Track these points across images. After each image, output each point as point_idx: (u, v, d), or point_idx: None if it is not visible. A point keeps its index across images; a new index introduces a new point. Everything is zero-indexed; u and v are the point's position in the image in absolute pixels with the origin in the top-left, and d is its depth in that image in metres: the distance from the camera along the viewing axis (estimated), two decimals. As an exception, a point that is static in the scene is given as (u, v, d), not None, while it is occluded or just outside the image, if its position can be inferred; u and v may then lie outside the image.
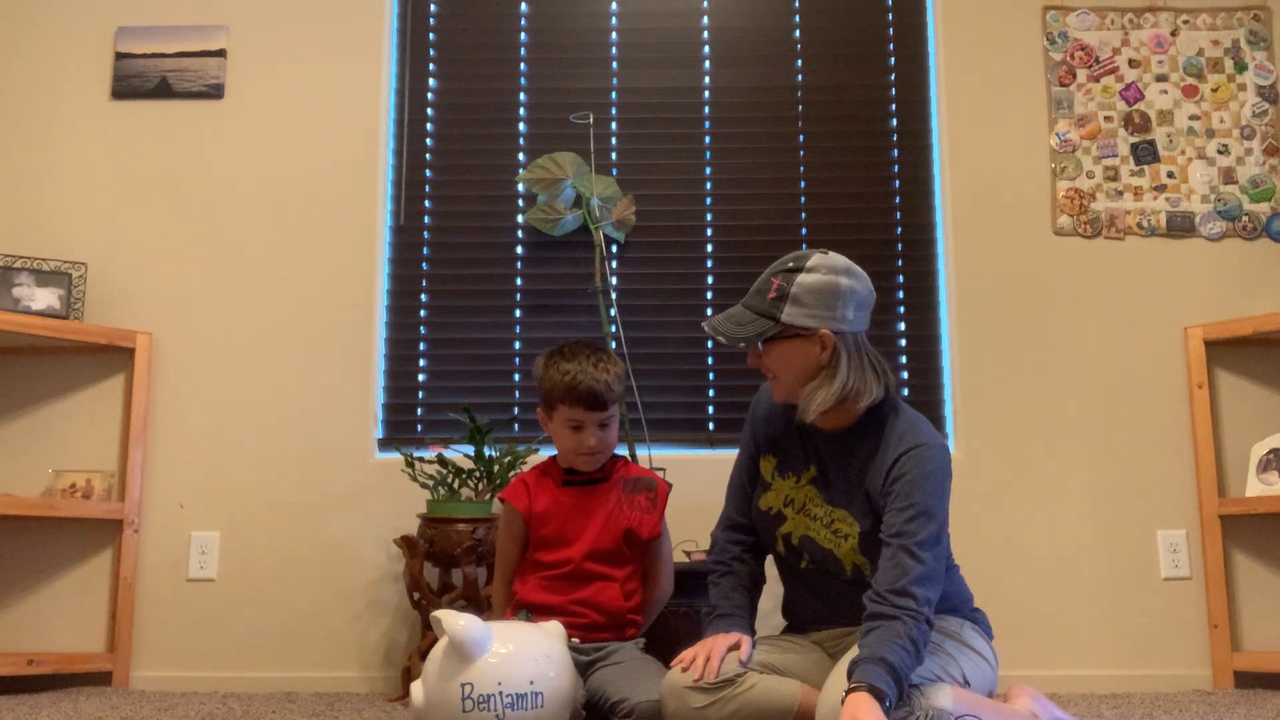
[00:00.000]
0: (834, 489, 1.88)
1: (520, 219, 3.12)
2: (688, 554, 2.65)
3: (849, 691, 1.56)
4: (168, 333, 3.03)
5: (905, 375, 3.05)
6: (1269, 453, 2.86)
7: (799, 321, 1.80)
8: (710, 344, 3.06)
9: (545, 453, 2.84)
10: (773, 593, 2.04)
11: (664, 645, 2.19)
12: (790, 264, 1.84)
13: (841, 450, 1.88)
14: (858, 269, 1.87)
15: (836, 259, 1.84)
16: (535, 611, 2.08)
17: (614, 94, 3.17)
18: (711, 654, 1.78)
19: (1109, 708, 2.46)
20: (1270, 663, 2.75)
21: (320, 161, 3.11)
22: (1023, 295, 3.03)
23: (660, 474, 2.28)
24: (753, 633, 1.91)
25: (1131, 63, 3.12)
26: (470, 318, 3.09)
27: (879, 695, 1.54)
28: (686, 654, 1.81)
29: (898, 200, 3.12)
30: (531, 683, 1.70)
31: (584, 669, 2.01)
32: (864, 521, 1.82)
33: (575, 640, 2.05)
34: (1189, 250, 3.04)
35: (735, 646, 1.82)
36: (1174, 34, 3.14)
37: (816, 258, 1.83)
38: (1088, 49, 3.13)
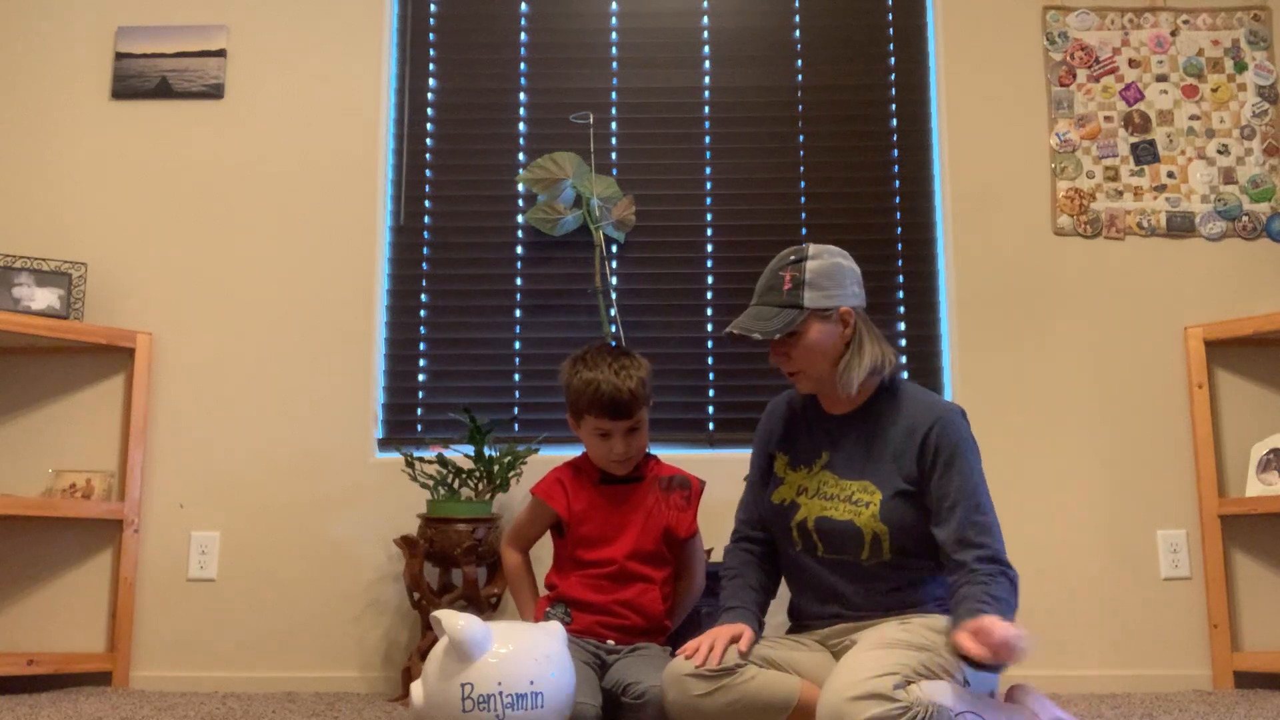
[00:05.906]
0: (850, 464, 1.92)
1: (520, 219, 3.12)
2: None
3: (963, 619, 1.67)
4: (168, 333, 3.03)
5: (905, 375, 3.04)
6: (1269, 453, 2.86)
7: (820, 304, 1.89)
8: (710, 344, 3.06)
9: (545, 453, 2.85)
10: (778, 596, 2.05)
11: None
12: (791, 257, 1.93)
13: (856, 427, 1.95)
14: (844, 251, 1.99)
15: (827, 245, 1.96)
16: (576, 609, 2.08)
17: (614, 94, 3.17)
18: (715, 643, 1.81)
19: (1109, 708, 2.46)
20: (1270, 663, 2.75)
21: (320, 161, 3.11)
22: (1023, 295, 3.03)
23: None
24: (759, 628, 1.93)
25: (1131, 63, 3.12)
26: (470, 318, 3.08)
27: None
28: (690, 644, 1.85)
29: (898, 200, 3.12)
30: (531, 683, 1.70)
31: (608, 667, 2.02)
32: (887, 487, 1.87)
33: (611, 642, 2.06)
34: (1189, 250, 3.04)
35: (737, 638, 1.84)
36: (1174, 34, 3.13)
37: (812, 247, 1.94)
38: (1088, 49, 3.13)
